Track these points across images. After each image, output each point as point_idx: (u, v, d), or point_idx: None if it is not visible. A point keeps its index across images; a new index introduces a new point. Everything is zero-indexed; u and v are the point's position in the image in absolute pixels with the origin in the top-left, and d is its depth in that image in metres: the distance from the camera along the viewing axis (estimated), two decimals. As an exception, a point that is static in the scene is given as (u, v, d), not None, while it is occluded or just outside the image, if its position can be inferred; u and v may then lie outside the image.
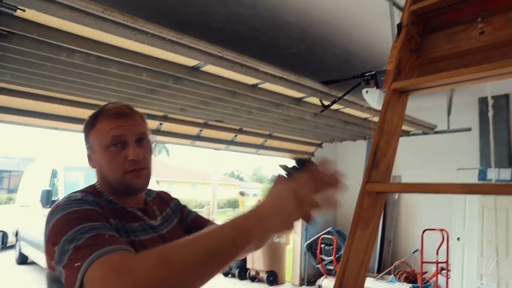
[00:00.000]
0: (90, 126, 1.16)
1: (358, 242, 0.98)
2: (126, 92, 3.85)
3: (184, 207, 1.41)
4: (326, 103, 3.85)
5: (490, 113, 4.74)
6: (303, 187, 0.79)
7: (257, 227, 0.79)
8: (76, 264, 0.80)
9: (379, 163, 1.00)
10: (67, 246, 0.85)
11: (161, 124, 5.17)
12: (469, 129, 5.81)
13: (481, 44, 1.09)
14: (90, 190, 1.13)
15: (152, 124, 5.12)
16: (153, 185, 5.74)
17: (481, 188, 0.70)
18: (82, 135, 1.19)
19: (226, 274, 7.96)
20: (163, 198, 1.35)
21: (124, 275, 0.73)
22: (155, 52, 2.98)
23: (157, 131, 5.26)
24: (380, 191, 0.99)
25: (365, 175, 1.05)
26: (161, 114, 4.95)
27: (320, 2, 3.36)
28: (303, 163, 0.87)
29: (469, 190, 0.75)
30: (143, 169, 1.13)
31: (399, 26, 1.19)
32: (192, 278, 0.73)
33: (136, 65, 3.07)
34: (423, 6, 1.21)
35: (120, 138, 1.09)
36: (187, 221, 1.35)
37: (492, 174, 5.60)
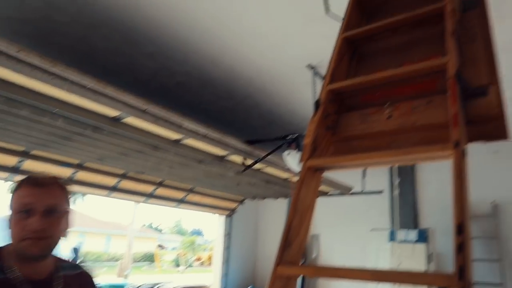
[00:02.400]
0: (14, 189, 1.20)
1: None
2: (38, 138, 3.56)
3: None
4: (248, 162, 3.88)
5: (400, 182, 5.11)
6: None
7: None
8: None
9: (291, 242, 0.98)
10: None
11: (75, 172, 4.83)
12: (380, 192, 6.21)
13: (389, 128, 1.17)
14: None
15: (65, 172, 4.76)
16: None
17: (389, 277, 0.71)
18: None
19: None
20: (83, 282, 1.31)
21: None
22: (75, 99, 2.82)
23: (70, 180, 4.89)
24: (291, 275, 0.97)
25: (277, 255, 1.02)
26: (76, 162, 4.63)
27: (248, 63, 3.49)
28: None
29: (378, 278, 0.75)
30: (42, 238, 1.14)
31: (317, 103, 1.24)
32: None
33: (51, 111, 2.87)
34: (340, 86, 1.28)
35: (27, 206, 1.14)
36: None
37: (401, 235, 5.95)
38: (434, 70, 1.17)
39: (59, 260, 1.29)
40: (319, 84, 3.43)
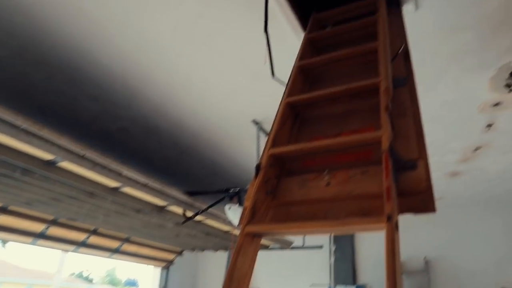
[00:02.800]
0: None
1: None
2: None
3: None
4: (189, 214, 3.78)
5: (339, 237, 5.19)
6: None
7: None
8: None
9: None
10: None
11: (-4, 217, 4.41)
12: (320, 247, 6.26)
13: (327, 195, 1.19)
14: None
15: (-17, 216, 4.34)
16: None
17: None
18: None
19: None
20: None
21: None
22: (5, 140, 2.63)
23: (-11, 225, 4.46)
24: None
25: None
26: (-1, 205, 4.25)
27: (194, 114, 3.49)
28: None
29: None
30: None
31: (258, 167, 1.25)
32: None
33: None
34: (281, 151, 1.30)
35: None
36: None
37: (340, 291, 5.96)
38: (369, 142, 1.22)
39: None
40: (263, 139, 3.50)
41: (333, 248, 6.68)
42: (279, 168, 1.34)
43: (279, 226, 1.06)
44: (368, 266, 6.42)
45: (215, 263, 7.12)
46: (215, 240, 5.33)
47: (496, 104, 3.46)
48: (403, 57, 1.77)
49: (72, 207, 3.96)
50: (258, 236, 1.09)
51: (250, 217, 1.09)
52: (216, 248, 6.23)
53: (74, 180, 3.20)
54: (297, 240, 5.95)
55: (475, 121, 3.68)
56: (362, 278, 6.41)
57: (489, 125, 3.81)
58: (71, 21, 2.48)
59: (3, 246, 37.34)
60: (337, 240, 6.67)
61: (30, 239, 4.93)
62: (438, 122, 3.67)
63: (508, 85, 3.16)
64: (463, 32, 2.55)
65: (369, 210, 1.10)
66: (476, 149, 4.31)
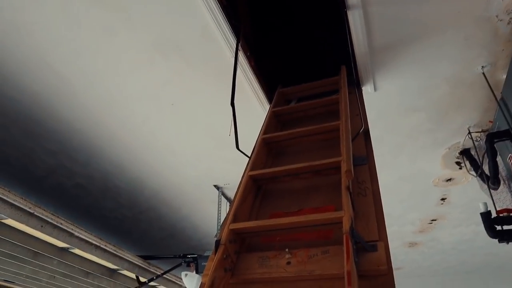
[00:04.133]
0: None
1: None
2: None
3: None
4: (143, 279, 3.57)
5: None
6: None
7: None
8: None
9: None
10: None
11: None
12: None
13: (288, 275, 1.16)
14: None
15: None
16: None
17: None
18: None
19: None
20: None
21: None
22: None
23: None
24: None
25: None
26: None
27: (155, 175, 3.42)
28: None
29: None
30: None
31: (217, 243, 1.21)
32: None
33: None
34: (242, 227, 1.28)
35: None
36: None
37: None
38: (330, 222, 1.23)
39: None
40: (225, 204, 3.45)
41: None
42: (239, 243, 1.31)
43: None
44: None
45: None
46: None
47: (449, 180, 3.63)
48: (363, 136, 1.84)
49: (11, 267, 3.65)
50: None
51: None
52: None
53: (17, 238, 2.98)
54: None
55: (431, 195, 3.82)
56: None
57: (443, 199, 3.97)
58: (36, 74, 2.45)
59: None
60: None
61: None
62: (396, 195, 3.78)
63: (458, 163, 3.34)
64: (417, 113, 2.72)
65: (329, 295, 1.07)
66: (432, 221, 4.44)
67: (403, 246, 5.11)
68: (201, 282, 1.21)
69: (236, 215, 1.34)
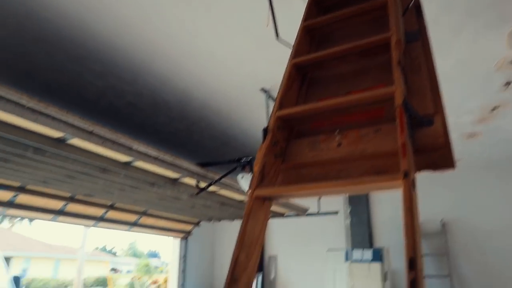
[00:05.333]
0: None
1: None
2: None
3: None
4: (202, 185, 3.78)
5: (355, 202, 5.15)
6: None
7: None
8: None
9: (238, 279, 0.91)
10: None
11: (16, 195, 4.50)
12: (336, 213, 6.27)
13: (339, 156, 1.14)
14: None
15: (3, 195, 4.43)
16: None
17: None
18: None
19: None
20: None
21: None
22: (12, 119, 2.63)
23: (10, 204, 4.55)
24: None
25: None
26: (17, 185, 4.32)
27: (202, 85, 3.43)
28: None
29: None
30: None
31: (265, 131, 1.20)
32: None
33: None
34: (288, 113, 1.25)
35: None
36: None
37: (357, 255, 6.01)
38: (381, 99, 1.16)
39: None
40: (272, 107, 3.43)
41: (348, 213, 6.68)
42: (287, 131, 1.29)
43: (290, 188, 1.02)
44: (385, 230, 6.42)
45: (232, 232, 7.21)
46: (230, 210, 5.37)
47: (515, 59, 3.30)
48: (414, 12, 1.66)
49: (86, 183, 4.00)
50: (268, 200, 1.05)
51: (259, 181, 1.05)
52: (232, 218, 6.29)
53: (85, 156, 3.20)
54: (312, 206, 5.96)
55: (493, 79, 3.54)
56: (378, 241, 6.44)
57: (508, 83, 3.66)
58: (70, -6, 2.40)
59: (30, 223, 38.63)
60: (352, 204, 6.67)
61: (50, 216, 5.05)
62: (454, 82, 3.54)
63: (527, 38, 3.00)
64: (480, -18, 2.40)
65: (383, 168, 1.05)
66: (494, 109, 4.18)
67: (461, 137, 4.92)
68: (253, 171, 1.23)
69: (282, 103, 1.30)
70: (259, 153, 1.22)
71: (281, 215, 5.92)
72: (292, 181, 1.13)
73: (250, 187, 1.14)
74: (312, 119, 1.27)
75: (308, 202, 5.98)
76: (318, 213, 6.14)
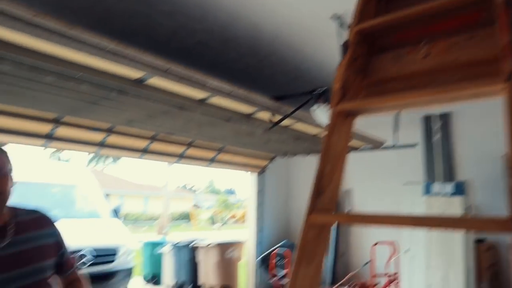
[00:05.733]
0: None
1: (302, 281, 0.89)
2: (65, 103, 3.61)
3: (63, 242, 1.56)
4: (276, 119, 3.80)
5: (436, 135, 4.90)
6: None
7: None
8: None
9: (324, 191, 0.92)
10: None
11: (106, 137, 4.91)
12: (414, 145, 6.02)
13: (427, 67, 1.06)
14: None
15: (96, 137, 4.86)
16: (100, 199, 5.42)
17: (433, 222, 0.65)
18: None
19: (178, 290, 7.70)
20: (38, 221, 1.48)
21: None
22: (96, 63, 2.79)
23: (102, 144, 4.99)
24: (324, 223, 0.91)
25: (309, 204, 0.96)
26: (106, 126, 4.70)
27: (271, 18, 3.32)
28: None
29: (421, 223, 0.69)
30: None
31: (345, 46, 1.14)
32: None
33: (75, 76, 2.86)
34: (369, 26, 1.16)
35: None
36: (62, 257, 1.53)
37: (437, 188, 5.81)
38: (477, 1, 1.02)
39: (14, 209, 1.44)
40: (345, 36, 3.24)
41: (427, 145, 6.38)
42: (368, 45, 1.21)
43: (373, 101, 0.98)
44: (468, 163, 6.07)
45: (307, 167, 7.29)
46: (305, 144, 5.39)
47: None
48: None
49: (167, 122, 4.23)
50: (351, 115, 1.02)
51: (340, 97, 1.01)
52: (306, 152, 6.34)
53: (163, 95, 3.35)
54: (388, 139, 5.77)
55: None
56: (460, 175, 6.13)
57: None
58: None
59: (119, 165, 42.46)
60: (432, 136, 6.33)
61: (137, 154, 5.48)
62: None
63: None
64: None
65: (479, 75, 0.95)
66: None
67: None
68: (333, 90, 1.19)
69: (361, 16, 1.21)
70: (339, 70, 1.17)
71: (355, 149, 5.84)
72: (376, 96, 1.08)
73: (330, 105, 1.11)
74: (396, 30, 1.18)
75: (384, 135, 5.79)
76: (394, 146, 5.95)
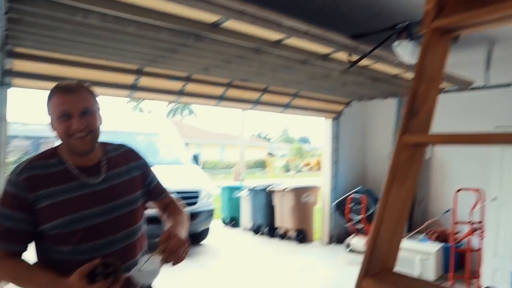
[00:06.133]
0: (48, 98, 1.40)
1: (394, 200, 0.88)
2: (146, 53, 3.78)
3: (150, 171, 1.64)
4: (354, 58, 3.63)
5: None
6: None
7: None
8: None
9: (418, 111, 0.87)
10: None
11: (184, 85, 5.11)
12: (508, 85, 5.45)
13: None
14: (46, 154, 1.43)
15: (175, 85, 5.07)
16: (181, 147, 5.78)
17: None
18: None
19: (256, 232, 8.08)
20: (126, 156, 1.57)
21: None
22: (173, 9, 2.85)
23: (181, 92, 5.21)
24: (419, 143, 0.87)
25: (401, 125, 0.92)
26: (184, 75, 4.87)
27: None
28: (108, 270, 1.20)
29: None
30: (86, 135, 1.37)
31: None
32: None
33: (154, 24, 2.96)
34: None
35: (65, 112, 1.35)
36: (150, 186, 1.62)
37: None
38: None
39: (104, 145, 1.52)
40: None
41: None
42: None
43: (474, 14, 0.87)
44: None
45: (384, 111, 7.00)
46: (383, 86, 5.14)
47: None
48: None
49: (242, 67, 4.26)
50: (448, 32, 0.93)
51: (436, 13, 0.93)
52: (384, 96, 6.06)
53: (239, 39, 3.35)
54: (478, 79, 5.28)
55: None
56: None
57: None
58: None
59: (192, 114, 44.28)
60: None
61: (214, 102, 5.65)
62: None
63: None
64: None
65: None
66: None
67: None
68: (420, 20, 1.09)
69: None
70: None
71: (441, 90, 5.45)
72: (477, 8, 0.97)
73: (422, 26, 1.03)
74: None
75: (474, 75, 5.31)
76: (485, 87, 5.44)
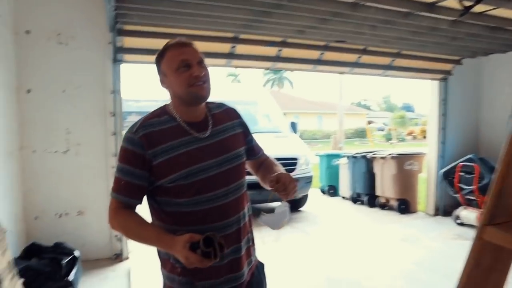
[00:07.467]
0: (160, 57, 1.46)
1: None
2: (242, 19, 3.80)
3: (248, 129, 1.68)
4: (468, 4, 3.19)
5: None
6: (181, 256, 1.27)
7: (161, 247, 1.42)
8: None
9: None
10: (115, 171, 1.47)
11: (280, 50, 5.06)
12: None
13: None
14: (157, 112, 1.50)
15: (271, 51, 5.05)
16: (279, 116, 5.83)
17: None
18: (154, 66, 1.50)
19: (355, 201, 7.88)
20: (228, 113, 1.62)
21: (109, 217, 1.44)
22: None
23: (277, 58, 5.18)
24: (505, 245, 0.71)
25: (484, 211, 0.77)
26: (279, 39, 4.82)
27: None
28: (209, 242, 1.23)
29: None
30: (205, 82, 1.43)
31: None
32: (131, 239, 1.47)
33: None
34: None
35: (185, 61, 1.41)
36: (250, 142, 1.67)
37: None
38: None
39: (208, 103, 1.56)
40: None
41: None
42: None
43: None
44: None
45: (504, 67, 6.11)
46: (504, 36, 4.46)
47: None
48: None
49: (338, 26, 4.06)
50: None
51: None
52: (505, 49, 5.30)
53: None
54: None
55: None
56: None
57: None
58: None
59: (291, 86, 44.33)
60: None
61: (310, 66, 5.52)
62: None
63: None
64: None
65: None
66: None
67: None
68: None
69: None
70: None
71: None
72: None
73: None
74: None
75: None
76: None
